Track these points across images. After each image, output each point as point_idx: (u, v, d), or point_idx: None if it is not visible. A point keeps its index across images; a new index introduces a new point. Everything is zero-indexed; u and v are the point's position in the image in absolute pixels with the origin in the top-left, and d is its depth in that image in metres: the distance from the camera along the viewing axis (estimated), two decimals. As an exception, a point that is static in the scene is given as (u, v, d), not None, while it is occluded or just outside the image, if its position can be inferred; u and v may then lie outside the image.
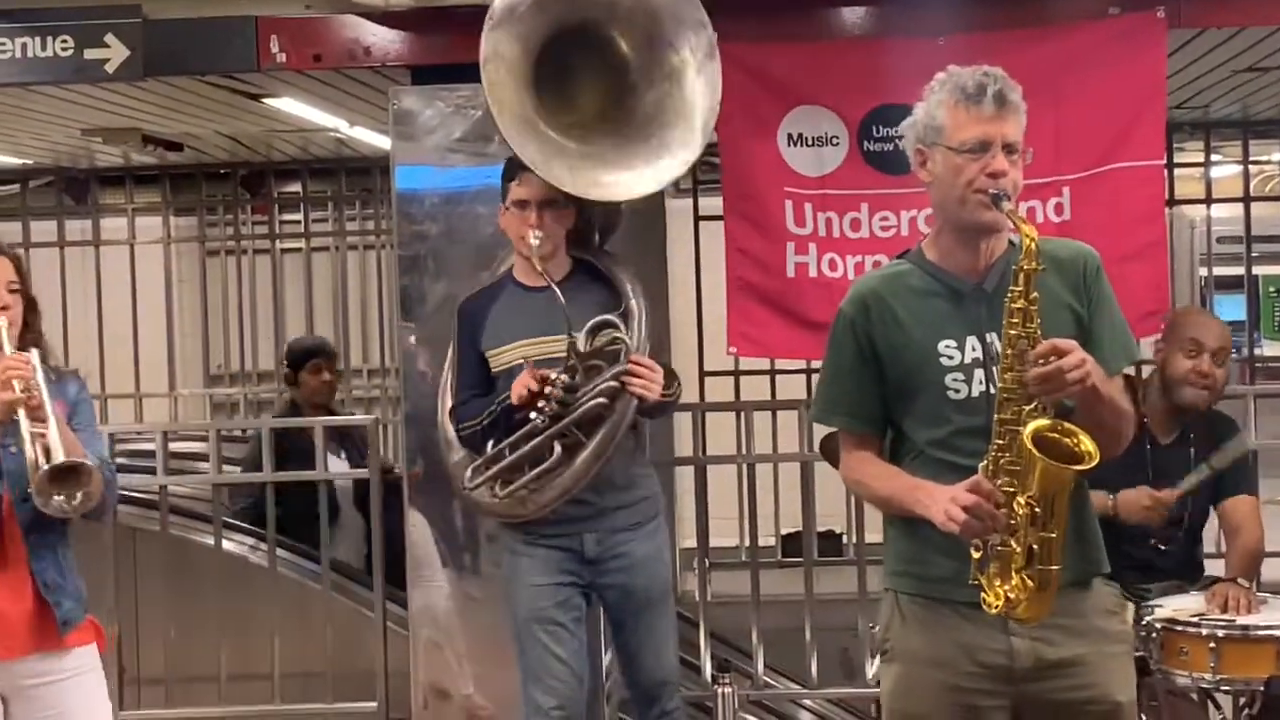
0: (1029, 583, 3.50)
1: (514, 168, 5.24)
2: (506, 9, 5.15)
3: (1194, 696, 5.12)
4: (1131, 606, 4.89)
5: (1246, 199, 9.51)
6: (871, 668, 6.24)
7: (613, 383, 5.00)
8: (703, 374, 8.69)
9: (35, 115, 7.94)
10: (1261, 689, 4.74)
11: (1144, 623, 4.91)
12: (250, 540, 7.07)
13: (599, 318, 5.07)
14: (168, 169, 10.88)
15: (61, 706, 4.40)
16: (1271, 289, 11.24)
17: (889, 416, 3.81)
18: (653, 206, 7.92)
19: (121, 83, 6.41)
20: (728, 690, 6.12)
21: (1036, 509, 3.47)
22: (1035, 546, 3.49)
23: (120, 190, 11.13)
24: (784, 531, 9.13)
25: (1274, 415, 7.89)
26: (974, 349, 3.68)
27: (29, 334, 4.40)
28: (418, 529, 6.13)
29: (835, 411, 3.89)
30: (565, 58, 5.37)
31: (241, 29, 6.16)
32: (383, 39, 6.16)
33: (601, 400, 5.00)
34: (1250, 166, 9.74)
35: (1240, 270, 9.83)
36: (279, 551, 6.76)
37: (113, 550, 6.48)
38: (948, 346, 3.70)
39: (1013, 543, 3.50)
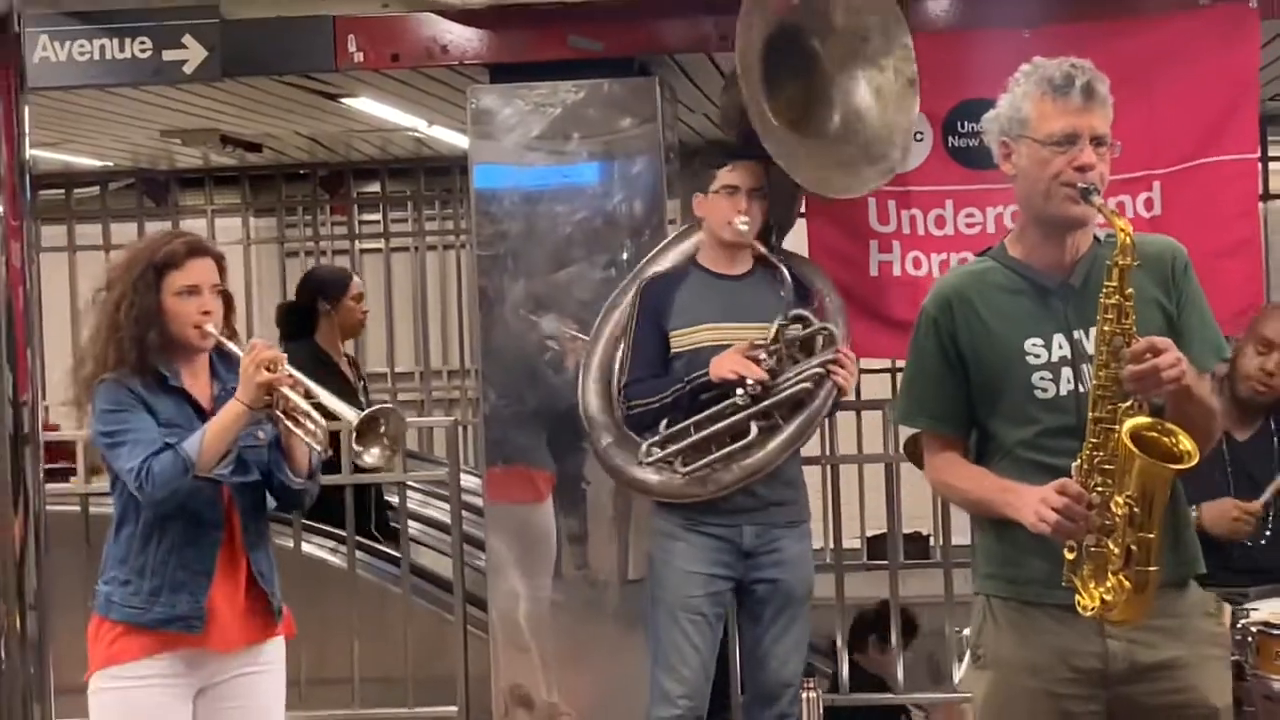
0: (1126, 584, 3.44)
1: (721, 155, 5.37)
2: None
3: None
4: (1229, 608, 4.82)
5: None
6: (959, 672, 6.19)
7: (819, 370, 5.14)
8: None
9: (114, 117, 8.01)
10: (1361, 694, 4.67)
11: (1239, 626, 4.84)
12: (330, 543, 7.08)
13: (798, 310, 5.20)
14: (247, 170, 10.98)
15: (249, 700, 4.46)
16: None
17: (974, 417, 3.77)
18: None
19: (199, 83, 6.45)
20: (812, 695, 6.08)
21: (1135, 509, 3.41)
22: (1134, 547, 3.43)
23: (200, 191, 11.25)
24: (870, 533, 9.09)
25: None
26: (1061, 347, 3.62)
27: (226, 328, 4.42)
28: (500, 530, 6.15)
29: (920, 413, 3.85)
30: (777, 57, 5.43)
31: (319, 28, 6.21)
32: (460, 37, 6.19)
33: (806, 385, 5.14)
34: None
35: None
36: (358, 554, 6.76)
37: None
38: (1034, 344, 3.65)
39: (1110, 544, 3.44)
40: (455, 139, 8.94)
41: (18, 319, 1.75)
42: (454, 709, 6.44)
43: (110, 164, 10.63)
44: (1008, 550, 3.71)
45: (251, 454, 4.38)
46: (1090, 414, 3.47)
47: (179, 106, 7.69)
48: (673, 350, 5.28)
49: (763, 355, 5.08)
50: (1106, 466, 3.44)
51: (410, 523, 7.26)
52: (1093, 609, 3.49)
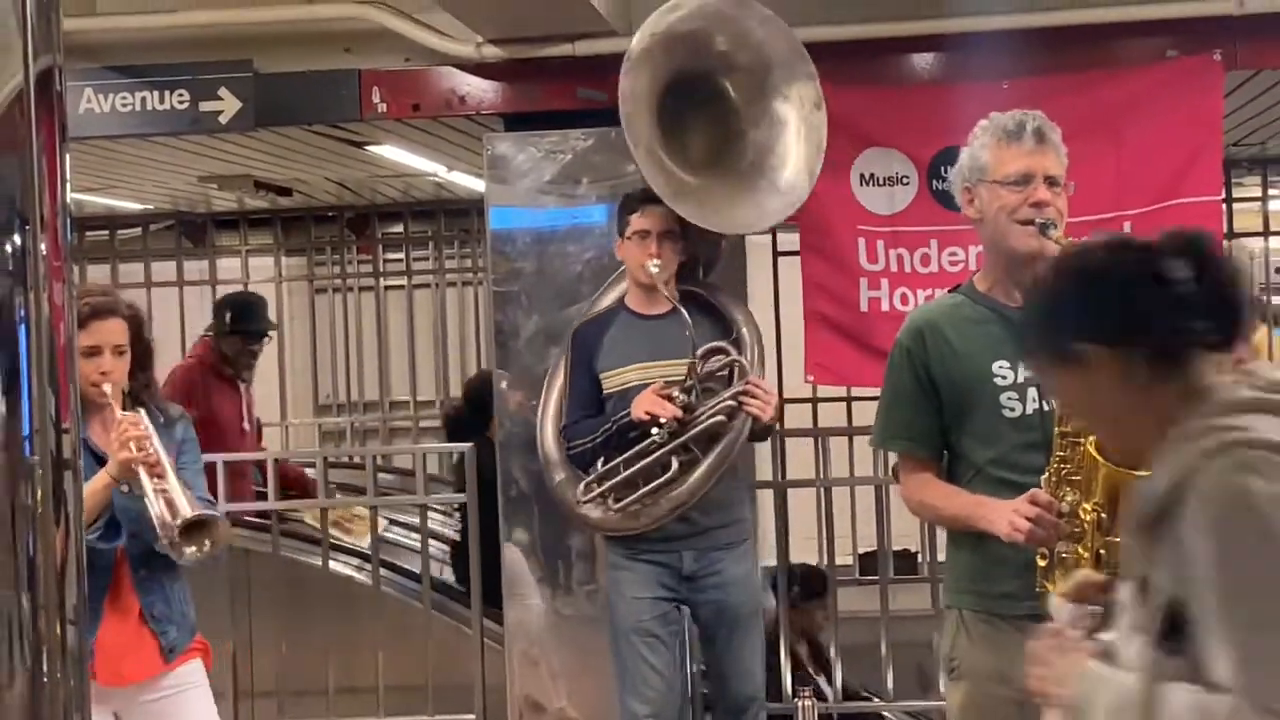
0: None
1: (634, 201, 5.27)
2: (643, 51, 5.17)
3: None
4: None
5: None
6: (944, 681, 6.19)
7: (731, 402, 5.04)
8: (782, 400, 8.64)
9: (155, 164, 8.04)
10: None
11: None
12: (355, 561, 7.10)
13: (712, 343, 5.12)
14: (279, 213, 10.99)
15: (175, 717, 4.46)
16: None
17: (946, 440, 3.79)
18: (734, 242, 7.93)
19: (234, 133, 6.47)
20: (808, 704, 6.08)
21: (1102, 515, 3.41)
22: (1102, 551, 3.43)
23: (235, 233, 11.25)
24: (861, 551, 9.07)
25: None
26: (1026, 369, 3.65)
27: (138, 380, 4.43)
28: (512, 549, 6.15)
29: (896, 436, 3.89)
30: (682, 102, 5.39)
31: (345, 81, 6.24)
32: (477, 88, 6.21)
33: (720, 418, 5.04)
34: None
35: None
36: (382, 572, 6.77)
37: (227, 571, 6.51)
38: (1001, 367, 3.69)
39: (1079, 549, 3.44)
40: (473, 183, 8.96)
41: (60, 353, 1.77)
42: (472, 716, 6.43)
43: (151, 207, 10.65)
44: (979, 565, 3.73)
45: (123, 500, 4.30)
46: (1056, 429, 3.49)
47: (215, 154, 7.72)
48: (604, 391, 5.23)
49: (676, 393, 4.99)
50: (1074, 477, 3.45)
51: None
52: None
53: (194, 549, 4.20)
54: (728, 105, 5.47)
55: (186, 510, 4.16)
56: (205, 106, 6.16)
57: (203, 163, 8.08)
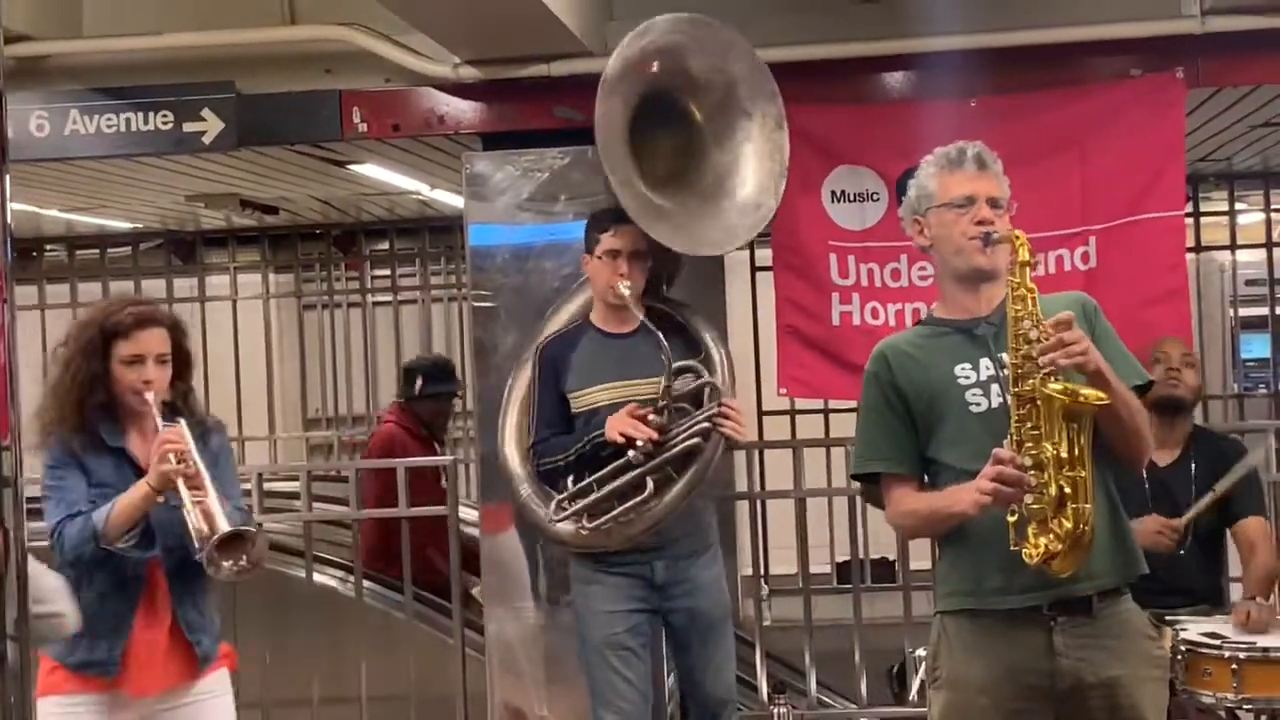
0: (1066, 524, 3.49)
1: (605, 220, 5.22)
2: (616, 75, 5.15)
3: (1221, 715, 5.04)
4: (1169, 632, 4.82)
5: (1269, 245, 9.46)
6: (914, 686, 6.18)
7: (705, 423, 5.00)
8: (761, 413, 8.68)
9: (142, 183, 8.02)
10: (1282, 708, 4.67)
11: (1170, 645, 4.84)
12: (340, 573, 7.07)
13: (682, 362, 5.05)
14: (267, 230, 11.00)
15: None
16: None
17: (924, 454, 3.81)
18: (712, 258, 7.94)
19: (217, 153, 6.46)
20: (783, 710, 6.08)
21: (1061, 452, 3.50)
22: (1066, 487, 3.50)
23: (223, 250, 11.26)
24: (839, 559, 9.07)
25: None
26: (987, 368, 3.74)
27: (177, 388, 4.39)
28: (494, 559, 6.14)
29: (873, 458, 3.89)
30: (650, 123, 5.37)
31: (326, 101, 6.23)
32: (455, 108, 6.21)
33: (696, 440, 5.00)
34: (1273, 214, 9.69)
35: (1266, 310, 9.77)
36: (365, 583, 6.75)
37: (215, 583, 6.48)
38: (963, 369, 3.76)
39: (1048, 490, 3.50)
40: (455, 201, 8.96)
41: (1, 372, 1.77)
42: (454, 726, 6.44)
43: (141, 225, 10.65)
44: (965, 565, 3.77)
45: (163, 513, 4.28)
46: (1012, 390, 3.57)
47: (201, 174, 7.71)
48: (573, 409, 5.18)
49: (650, 414, 4.96)
50: (1034, 431, 3.52)
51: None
52: (1039, 557, 3.53)
53: (230, 563, 4.17)
54: (692, 126, 5.46)
55: (224, 525, 4.13)
56: (189, 127, 6.16)
57: (189, 182, 8.08)
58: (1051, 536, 3.51)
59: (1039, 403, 3.50)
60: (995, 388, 3.70)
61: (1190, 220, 9.33)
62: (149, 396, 4.27)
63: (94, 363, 4.29)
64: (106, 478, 4.27)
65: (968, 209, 3.76)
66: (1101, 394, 3.49)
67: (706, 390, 5.06)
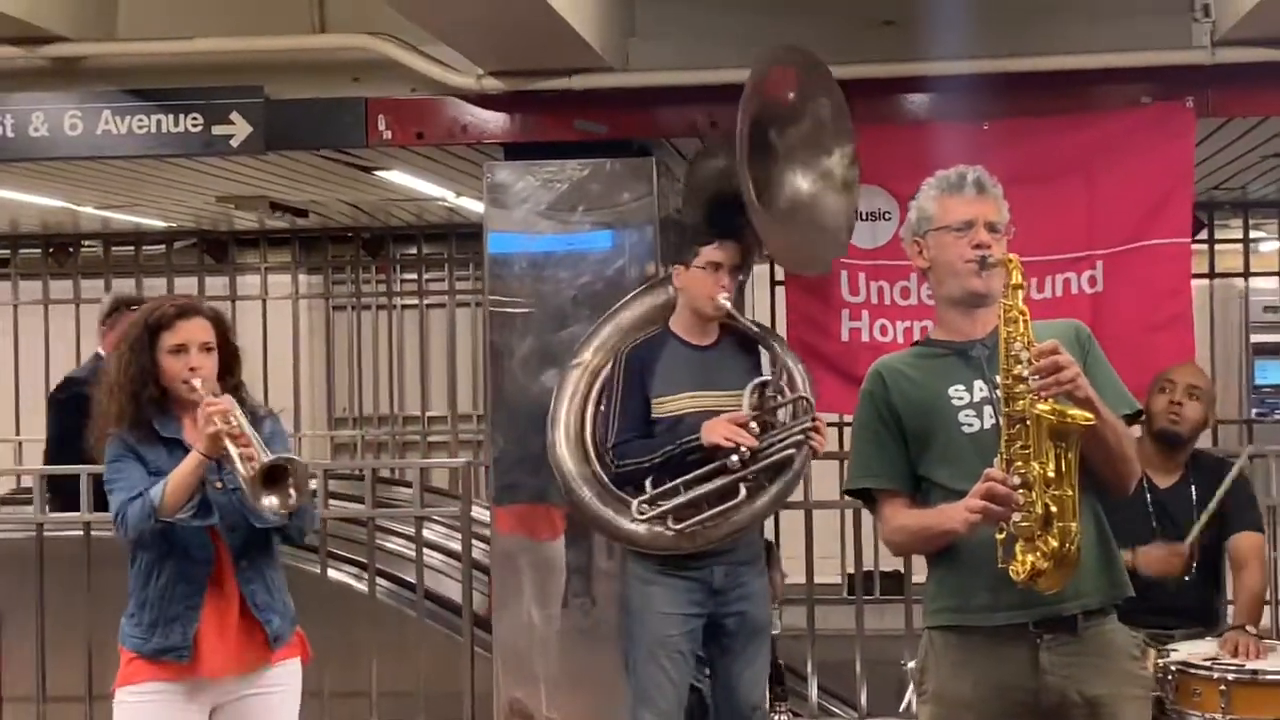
0: (1052, 542, 3.50)
1: (701, 233, 5.34)
2: (752, 90, 5.25)
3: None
4: (1153, 652, 4.83)
5: (1284, 273, 9.48)
6: (907, 697, 6.20)
7: (799, 436, 5.14)
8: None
9: (174, 183, 8.08)
10: (1269, 730, 4.67)
11: (1160, 665, 4.85)
12: (354, 570, 7.11)
13: (763, 378, 5.22)
14: (297, 232, 11.05)
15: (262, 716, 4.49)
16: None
17: (916, 472, 3.82)
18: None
19: (244, 155, 6.52)
20: (784, 716, 6.12)
21: (1049, 471, 3.50)
22: (1052, 506, 3.50)
23: (255, 251, 11.33)
24: (849, 571, 9.07)
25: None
26: (981, 390, 3.74)
27: (227, 382, 4.43)
28: (503, 560, 6.18)
29: (866, 475, 3.89)
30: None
31: (353, 108, 6.28)
32: (479, 118, 6.25)
33: (790, 450, 5.15)
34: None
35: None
36: (379, 581, 6.79)
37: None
38: (957, 389, 3.77)
39: (1035, 508, 3.50)
40: (480, 208, 8.96)
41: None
42: (461, 723, 6.48)
43: (174, 225, 10.72)
44: (953, 582, 3.76)
45: (224, 497, 4.36)
46: (1003, 410, 3.57)
47: (232, 176, 7.76)
48: (654, 415, 5.25)
49: (752, 422, 5.08)
50: (1023, 450, 3.52)
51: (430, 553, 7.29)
52: (1026, 575, 3.53)
53: (276, 500, 4.21)
54: (773, 155, 5.57)
55: (264, 457, 4.19)
56: (217, 130, 6.21)
57: (221, 184, 8.13)
58: (1038, 554, 3.51)
59: (1028, 422, 3.50)
60: (988, 409, 3.70)
61: (1205, 247, 9.34)
62: (196, 383, 4.33)
63: (142, 357, 4.36)
64: (163, 466, 4.33)
65: (966, 233, 3.76)
66: (1089, 415, 3.51)
67: (800, 405, 5.23)
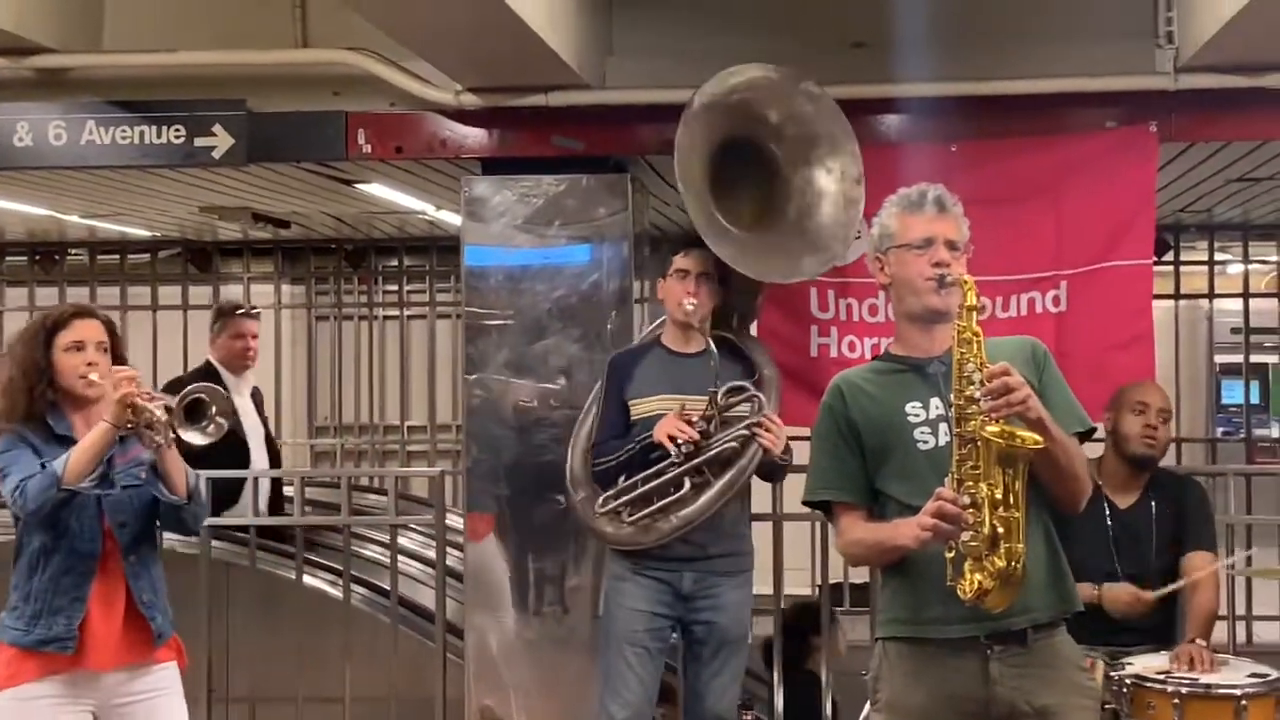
0: (999, 563, 3.52)
1: (678, 243, 5.47)
2: (701, 106, 5.33)
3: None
4: (1101, 664, 4.87)
5: (1246, 295, 9.52)
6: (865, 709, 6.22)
7: (744, 432, 5.19)
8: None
9: (158, 194, 8.08)
10: (1220, 743, 4.69)
11: (1115, 677, 4.88)
12: (329, 576, 7.12)
13: (735, 381, 5.28)
14: (280, 243, 11.06)
15: None
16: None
17: (872, 485, 3.84)
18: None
19: (226, 167, 6.53)
20: (750, 722, 6.17)
21: (996, 493, 3.53)
22: (999, 527, 3.53)
23: (239, 261, 11.33)
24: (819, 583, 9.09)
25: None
26: (936, 407, 3.76)
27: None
28: (478, 567, 6.19)
29: (824, 488, 3.91)
30: (733, 158, 5.53)
31: (333, 122, 6.30)
32: (457, 133, 6.27)
33: (733, 445, 5.20)
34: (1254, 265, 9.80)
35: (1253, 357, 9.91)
36: (354, 588, 6.80)
37: (207, 583, 6.55)
38: (913, 407, 3.80)
39: (982, 529, 3.52)
40: (460, 221, 8.99)
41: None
42: (432, 728, 6.49)
43: (159, 234, 10.71)
44: (906, 595, 3.79)
45: (135, 493, 4.47)
46: (955, 431, 3.59)
47: (214, 186, 7.77)
48: (632, 417, 5.35)
49: (696, 419, 5.15)
50: (973, 470, 3.54)
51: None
52: (973, 594, 3.56)
53: (205, 433, 4.40)
54: (776, 169, 5.62)
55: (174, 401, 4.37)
56: (200, 141, 6.24)
57: (202, 194, 8.13)
58: (985, 574, 3.54)
59: (979, 443, 3.53)
60: (944, 426, 3.72)
61: (1171, 269, 9.41)
62: (94, 377, 4.43)
63: (38, 354, 4.46)
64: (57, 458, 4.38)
65: (926, 250, 3.78)
66: (1038, 438, 3.53)
67: (753, 404, 5.25)
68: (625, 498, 5.27)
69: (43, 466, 4.34)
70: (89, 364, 4.45)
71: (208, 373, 7.39)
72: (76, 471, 4.29)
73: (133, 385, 4.32)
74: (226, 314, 7.81)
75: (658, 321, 5.74)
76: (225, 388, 6.79)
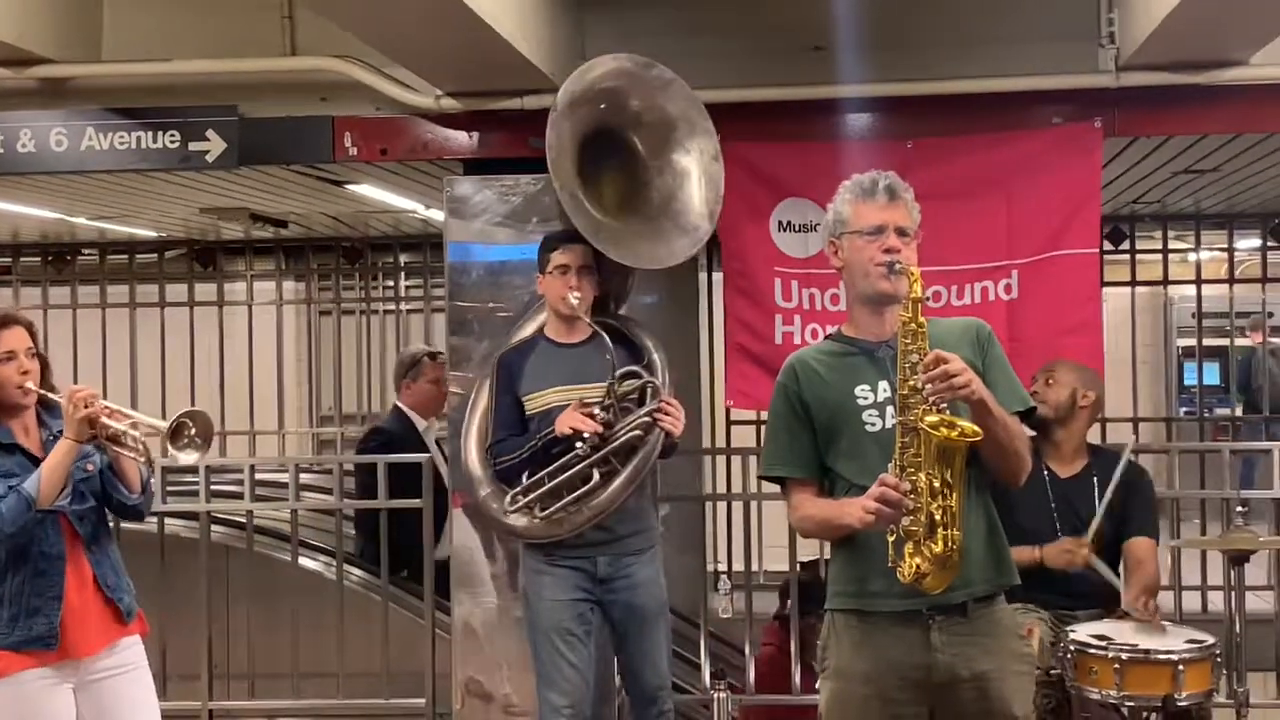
0: (936, 548, 3.57)
1: (555, 240, 5.36)
2: (566, 105, 5.29)
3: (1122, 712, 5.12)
4: (1037, 632, 4.92)
5: (1198, 281, 9.57)
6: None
7: (646, 418, 5.12)
8: (729, 422, 8.80)
9: (160, 196, 8.13)
10: (1159, 705, 4.74)
11: (1058, 645, 4.93)
12: (323, 559, 7.17)
13: (627, 367, 5.17)
14: (282, 242, 11.09)
15: (125, 695, 4.57)
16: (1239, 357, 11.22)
17: (824, 463, 3.88)
18: (689, 280, 8.07)
19: (219, 170, 6.59)
20: (722, 695, 6.20)
21: (935, 481, 3.57)
22: (936, 514, 3.57)
23: (241, 259, 11.36)
24: (806, 559, 9.14)
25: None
26: (884, 391, 3.79)
27: (47, 384, 4.54)
28: (461, 550, 6.23)
29: (777, 463, 3.95)
30: (600, 151, 5.51)
31: (320, 126, 6.37)
32: (439, 136, 6.33)
33: (637, 432, 5.11)
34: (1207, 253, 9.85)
35: (1212, 341, 10.02)
36: (346, 568, 6.85)
37: (206, 566, 6.60)
38: (862, 389, 3.82)
39: (919, 518, 3.58)
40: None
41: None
42: (422, 701, 6.52)
43: (165, 234, 10.76)
44: (853, 569, 3.83)
45: (85, 484, 4.48)
46: (898, 419, 3.63)
47: (214, 189, 7.82)
48: (527, 412, 5.27)
49: (596, 410, 5.08)
50: (915, 458, 3.59)
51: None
52: (911, 576, 3.61)
53: (186, 443, 4.39)
54: (637, 156, 5.57)
55: (162, 423, 4.37)
56: (194, 146, 6.30)
57: (202, 196, 8.19)
58: (923, 558, 3.59)
59: (920, 433, 3.57)
60: (890, 409, 3.75)
61: (1127, 257, 9.46)
62: (29, 385, 4.43)
63: None
64: (10, 469, 4.41)
65: (877, 237, 3.78)
66: (977, 431, 3.56)
67: (649, 390, 5.18)
68: (534, 494, 5.17)
69: (9, 488, 4.35)
70: (23, 373, 4.43)
71: (400, 418, 7.40)
72: (49, 493, 4.33)
73: (96, 404, 4.34)
74: (420, 360, 7.60)
75: (528, 315, 5.72)
76: (417, 432, 7.13)
